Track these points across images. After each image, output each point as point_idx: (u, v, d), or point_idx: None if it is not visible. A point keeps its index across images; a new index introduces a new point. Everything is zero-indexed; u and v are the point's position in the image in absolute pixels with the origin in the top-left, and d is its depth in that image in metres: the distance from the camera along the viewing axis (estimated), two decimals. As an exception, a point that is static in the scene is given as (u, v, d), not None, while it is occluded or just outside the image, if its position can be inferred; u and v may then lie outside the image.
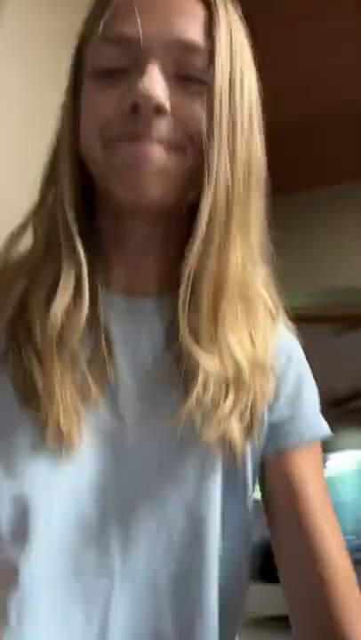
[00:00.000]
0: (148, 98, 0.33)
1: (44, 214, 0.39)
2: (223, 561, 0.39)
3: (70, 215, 0.37)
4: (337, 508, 0.42)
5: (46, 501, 0.35)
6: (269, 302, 0.43)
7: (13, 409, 0.36)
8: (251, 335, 0.39)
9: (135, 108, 0.33)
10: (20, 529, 0.34)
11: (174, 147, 0.35)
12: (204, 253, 0.35)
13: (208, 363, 0.35)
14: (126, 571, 0.36)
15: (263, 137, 0.39)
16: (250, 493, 0.41)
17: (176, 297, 0.36)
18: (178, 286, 0.36)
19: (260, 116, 0.39)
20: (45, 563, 0.34)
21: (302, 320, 0.48)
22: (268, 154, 0.41)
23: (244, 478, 0.41)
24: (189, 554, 0.38)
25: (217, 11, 0.36)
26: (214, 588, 0.38)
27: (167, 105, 0.34)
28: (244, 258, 0.37)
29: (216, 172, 0.34)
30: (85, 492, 0.36)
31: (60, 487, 0.36)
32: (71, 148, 0.38)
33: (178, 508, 0.38)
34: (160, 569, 0.37)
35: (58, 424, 0.34)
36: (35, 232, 0.40)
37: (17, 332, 0.37)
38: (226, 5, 0.37)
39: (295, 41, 1.57)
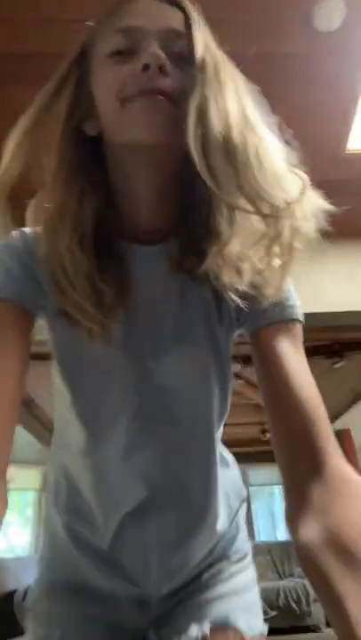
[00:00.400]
0: (155, 57, 0.46)
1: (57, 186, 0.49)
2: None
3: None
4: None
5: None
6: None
7: (76, 341, 0.53)
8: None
9: (146, 67, 0.45)
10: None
11: (173, 100, 0.46)
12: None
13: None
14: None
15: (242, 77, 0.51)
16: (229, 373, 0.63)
17: (172, 241, 0.54)
18: (174, 233, 0.54)
19: (231, 67, 0.50)
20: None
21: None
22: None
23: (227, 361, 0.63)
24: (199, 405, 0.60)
25: (189, 12, 0.50)
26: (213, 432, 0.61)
27: (167, 67, 0.46)
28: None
29: (197, 117, 0.43)
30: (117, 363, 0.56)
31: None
32: (69, 124, 0.49)
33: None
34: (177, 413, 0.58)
35: (97, 332, 0.50)
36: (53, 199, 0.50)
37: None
38: (193, 9, 0.51)
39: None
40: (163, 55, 0.46)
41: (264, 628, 0.61)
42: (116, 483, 0.57)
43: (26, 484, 5.89)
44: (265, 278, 0.48)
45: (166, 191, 0.51)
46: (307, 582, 5.03)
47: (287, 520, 0.46)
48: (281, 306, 0.56)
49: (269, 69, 1.93)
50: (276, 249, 0.45)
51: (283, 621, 4.77)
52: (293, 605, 4.82)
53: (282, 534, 6.90)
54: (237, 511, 0.72)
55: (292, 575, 5.56)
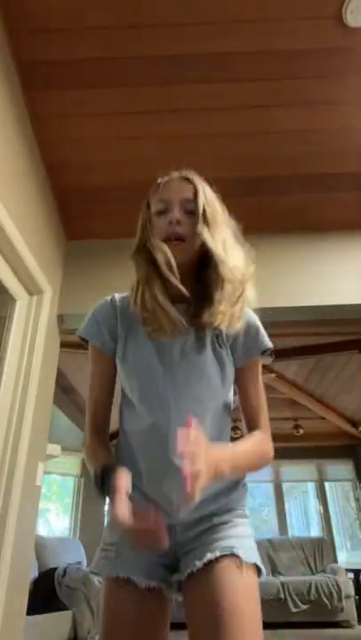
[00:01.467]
0: (175, 218, 0.93)
1: (140, 266, 0.98)
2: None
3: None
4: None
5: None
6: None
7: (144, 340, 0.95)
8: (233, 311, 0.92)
9: (170, 222, 0.93)
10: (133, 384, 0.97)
11: (183, 238, 0.93)
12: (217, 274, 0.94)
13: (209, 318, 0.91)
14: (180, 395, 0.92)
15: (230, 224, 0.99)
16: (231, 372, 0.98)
17: (192, 301, 0.94)
18: (193, 295, 0.94)
19: (226, 215, 0.98)
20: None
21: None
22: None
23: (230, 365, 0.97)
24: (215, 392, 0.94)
25: (196, 185, 0.97)
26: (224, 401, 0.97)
27: (183, 222, 0.93)
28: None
29: (205, 244, 0.92)
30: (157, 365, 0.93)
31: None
32: (146, 239, 0.97)
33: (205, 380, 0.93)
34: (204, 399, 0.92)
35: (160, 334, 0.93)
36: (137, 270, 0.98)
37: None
38: (200, 182, 0.98)
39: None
40: (178, 216, 0.94)
41: (260, 564, 0.85)
42: (152, 443, 0.91)
43: (67, 470, 6.16)
44: (236, 320, 0.92)
45: (185, 278, 0.92)
46: (339, 578, 5.01)
47: None
48: (253, 341, 0.99)
49: (301, 65, 1.96)
50: (240, 304, 0.92)
51: (313, 616, 4.78)
52: (325, 600, 4.82)
53: (315, 530, 6.86)
54: (243, 480, 0.98)
55: (323, 571, 5.54)
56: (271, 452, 0.93)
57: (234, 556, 0.82)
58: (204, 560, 0.81)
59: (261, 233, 2.73)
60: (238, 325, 0.92)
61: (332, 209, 2.63)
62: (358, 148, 2.30)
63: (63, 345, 2.66)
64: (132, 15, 1.78)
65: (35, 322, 2.28)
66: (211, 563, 0.81)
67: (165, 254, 0.90)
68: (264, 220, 2.68)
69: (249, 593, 0.79)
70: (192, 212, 0.94)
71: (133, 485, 0.80)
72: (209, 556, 0.82)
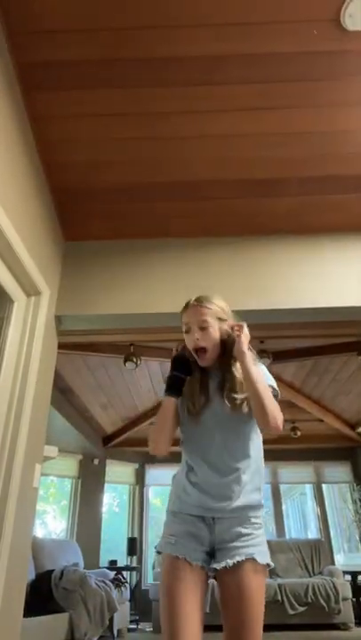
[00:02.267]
0: (195, 336, 1.41)
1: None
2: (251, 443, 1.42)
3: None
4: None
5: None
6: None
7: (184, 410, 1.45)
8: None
9: (195, 340, 1.41)
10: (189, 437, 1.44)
11: (206, 349, 1.41)
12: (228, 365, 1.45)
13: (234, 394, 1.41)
14: (222, 443, 1.37)
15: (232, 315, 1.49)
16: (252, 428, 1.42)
17: (221, 370, 1.45)
18: (217, 368, 1.46)
19: (228, 310, 1.50)
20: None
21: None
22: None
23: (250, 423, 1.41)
24: (242, 441, 1.39)
25: (206, 308, 1.43)
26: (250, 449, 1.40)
27: (201, 338, 1.41)
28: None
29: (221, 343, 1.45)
30: (207, 432, 1.40)
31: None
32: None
33: (237, 435, 1.39)
34: (232, 446, 1.37)
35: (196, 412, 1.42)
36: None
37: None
38: (209, 305, 1.44)
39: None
40: (198, 335, 1.40)
41: (270, 562, 1.30)
42: (202, 464, 1.37)
43: (64, 472, 6.15)
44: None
45: (213, 359, 1.43)
46: (336, 580, 5.01)
47: None
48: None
49: (300, 68, 1.96)
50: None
51: (311, 618, 4.78)
52: (322, 602, 4.81)
53: (312, 532, 6.86)
54: (261, 488, 1.40)
55: (321, 573, 5.54)
56: (280, 417, 1.32)
57: (253, 559, 1.26)
58: (234, 560, 1.26)
59: (258, 234, 2.74)
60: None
61: (331, 211, 2.64)
62: (357, 151, 2.31)
63: (61, 346, 2.66)
64: (130, 17, 1.78)
65: (32, 323, 2.27)
66: (238, 563, 1.26)
67: (201, 362, 1.43)
68: (262, 221, 2.68)
69: (259, 585, 1.26)
70: (206, 328, 1.41)
71: (191, 483, 1.36)
72: (237, 558, 1.26)
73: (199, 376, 1.43)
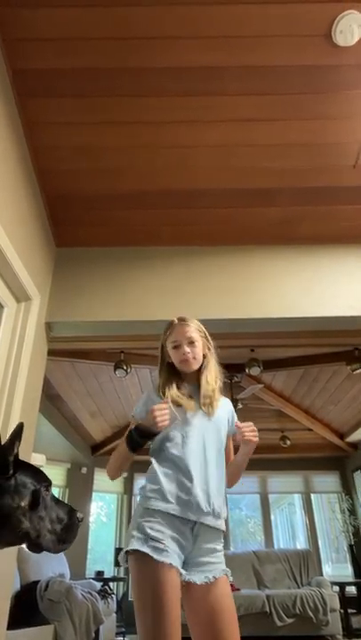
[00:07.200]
0: (185, 350, 1.59)
1: (162, 374, 1.65)
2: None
3: (171, 377, 1.64)
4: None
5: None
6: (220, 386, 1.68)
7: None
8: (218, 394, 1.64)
9: (183, 354, 1.60)
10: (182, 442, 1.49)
11: (192, 359, 1.60)
12: (207, 374, 1.63)
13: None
14: (207, 453, 1.47)
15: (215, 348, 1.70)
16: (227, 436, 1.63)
17: (196, 380, 1.63)
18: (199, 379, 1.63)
19: (210, 343, 1.69)
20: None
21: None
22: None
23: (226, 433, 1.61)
24: (220, 451, 1.53)
25: (190, 326, 1.63)
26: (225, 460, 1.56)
27: (192, 352, 1.60)
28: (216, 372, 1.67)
29: (206, 362, 1.65)
30: (195, 435, 1.50)
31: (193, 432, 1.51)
32: (166, 359, 1.67)
33: (216, 443, 1.52)
34: (213, 453, 1.48)
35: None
36: (160, 376, 1.66)
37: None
38: (194, 325, 1.65)
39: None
40: (187, 349, 1.59)
41: (230, 577, 1.41)
42: (186, 468, 1.41)
43: (52, 481, 6.06)
44: (216, 393, 1.60)
45: (194, 374, 1.63)
46: (324, 591, 4.98)
47: None
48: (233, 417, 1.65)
49: (294, 80, 2.00)
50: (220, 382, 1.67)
51: (299, 629, 4.74)
52: (310, 614, 4.78)
53: (301, 543, 6.84)
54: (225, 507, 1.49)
55: (309, 584, 5.51)
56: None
57: (226, 575, 1.39)
58: (211, 576, 1.34)
59: (250, 244, 2.76)
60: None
61: (322, 222, 2.67)
62: (349, 163, 2.35)
63: (50, 353, 2.64)
64: (125, 27, 1.80)
65: (22, 329, 2.26)
66: (215, 578, 1.35)
67: (188, 367, 1.61)
68: (254, 230, 2.70)
69: (231, 598, 1.36)
70: (193, 343, 1.59)
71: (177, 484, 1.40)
72: (214, 573, 1.36)
73: (178, 384, 1.60)
